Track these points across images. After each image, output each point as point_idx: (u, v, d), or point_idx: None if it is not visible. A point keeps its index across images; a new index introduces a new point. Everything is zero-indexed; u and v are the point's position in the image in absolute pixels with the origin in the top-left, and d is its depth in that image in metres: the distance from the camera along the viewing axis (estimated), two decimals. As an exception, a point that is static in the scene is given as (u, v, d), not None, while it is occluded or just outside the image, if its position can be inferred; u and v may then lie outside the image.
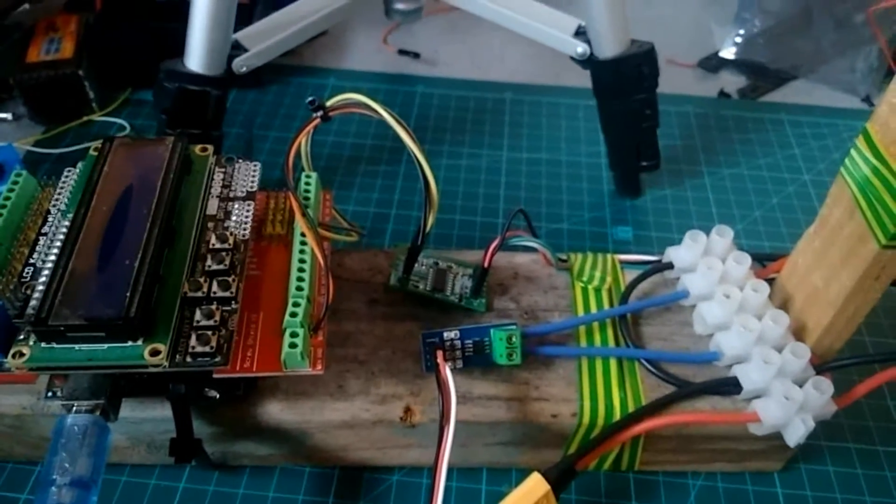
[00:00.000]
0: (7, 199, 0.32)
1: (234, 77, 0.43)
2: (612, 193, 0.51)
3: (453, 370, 0.32)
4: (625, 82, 0.45)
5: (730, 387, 0.33)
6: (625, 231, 0.48)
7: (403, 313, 0.36)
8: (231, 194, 0.33)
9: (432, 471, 0.29)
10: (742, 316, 0.33)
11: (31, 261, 0.29)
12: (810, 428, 0.31)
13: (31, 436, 0.33)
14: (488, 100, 0.59)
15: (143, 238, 0.28)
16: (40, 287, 0.27)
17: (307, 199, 0.33)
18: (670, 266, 0.37)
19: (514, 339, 0.32)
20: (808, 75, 0.62)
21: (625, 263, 0.39)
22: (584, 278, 0.38)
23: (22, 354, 0.26)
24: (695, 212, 0.50)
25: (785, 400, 0.30)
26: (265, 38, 0.44)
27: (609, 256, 0.39)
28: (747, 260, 0.35)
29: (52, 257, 0.28)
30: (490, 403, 0.33)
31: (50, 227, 0.30)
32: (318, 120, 0.35)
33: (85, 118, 0.55)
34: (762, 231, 0.49)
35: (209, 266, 0.29)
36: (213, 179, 0.33)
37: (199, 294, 0.28)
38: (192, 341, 0.26)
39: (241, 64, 0.43)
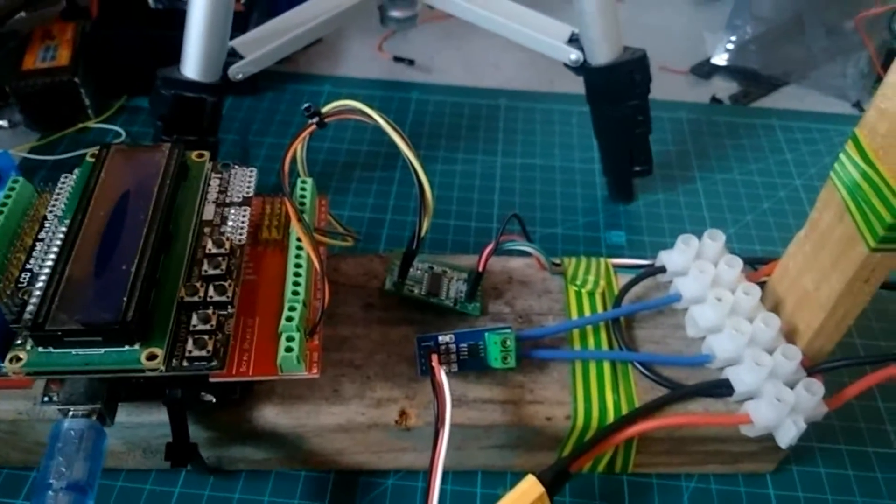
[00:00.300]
0: (4, 204, 0.32)
1: (230, 84, 0.43)
2: (605, 199, 0.52)
3: (448, 374, 0.32)
4: (617, 89, 0.45)
5: (722, 389, 0.33)
6: (618, 236, 0.49)
7: (399, 317, 0.36)
8: (227, 200, 0.33)
9: (427, 474, 0.29)
10: (734, 319, 0.34)
11: (28, 266, 0.29)
12: (802, 429, 0.31)
13: (27, 441, 0.33)
14: (483, 106, 0.60)
15: (139, 243, 0.28)
16: (37, 292, 0.27)
17: (303, 204, 0.34)
18: (663, 270, 0.37)
19: (508, 342, 0.33)
20: (799, 81, 0.62)
21: (618, 267, 0.39)
22: (578, 282, 0.38)
23: (19, 359, 0.26)
24: (687, 216, 0.50)
25: (776, 402, 0.31)
26: (261, 45, 0.44)
27: (602, 260, 0.39)
28: (739, 263, 0.35)
29: (49, 262, 0.28)
30: (485, 407, 0.33)
31: (47, 232, 0.31)
32: (313, 126, 0.35)
33: (81, 125, 0.55)
34: (754, 235, 0.49)
35: (205, 271, 0.29)
36: (209, 185, 0.33)
37: (196, 299, 0.28)
38: (189, 345, 0.27)
39: (237, 71, 0.43)
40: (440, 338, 0.33)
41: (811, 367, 0.33)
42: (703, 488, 0.36)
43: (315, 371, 0.29)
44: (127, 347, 0.26)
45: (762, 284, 0.36)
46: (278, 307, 0.30)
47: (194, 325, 0.27)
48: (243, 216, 0.32)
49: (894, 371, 0.32)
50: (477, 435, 0.34)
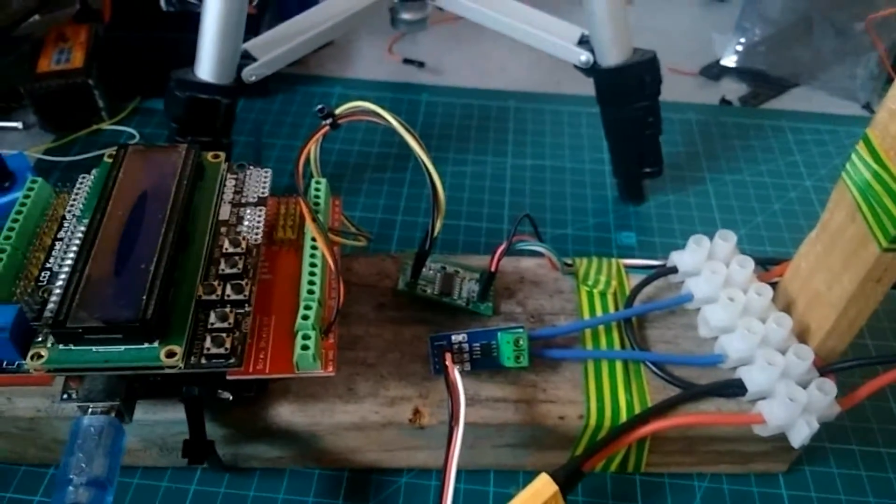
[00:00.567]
0: (23, 205, 0.33)
1: (243, 86, 0.44)
2: (615, 200, 0.52)
3: (461, 373, 0.32)
4: (627, 90, 0.45)
5: (734, 389, 0.33)
6: (628, 237, 0.49)
7: (411, 317, 0.37)
8: (243, 200, 0.33)
9: (442, 472, 0.29)
10: (746, 319, 0.34)
11: (48, 265, 0.30)
12: (814, 429, 0.31)
13: (45, 438, 0.34)
14: (492, 108, 0.60)
15: (158, 242, 0.28)
16: (57, 290, 0.27)
17: (317, 204, 0.34)
18: (674, 270, 0.38)
19: (521, 341, 0.33)
20: (808, 82, 0.63)
21: (629, 268, 0.39)
22: (590, 282, 0.38)
23: (40, 356, 0.26)
24: (698, 217, 0.50)
25: (789, 401, 0.31)
26: (274, 47, 0.45)
27: (614, 261, 0.39)
28: (751, 264, 0.36)
29: (69, 261, 0.28)
30: (497, 405, 0.33)
31: (65, 232, 0.31)
32: (327, 128, 0.36)
33: (94, 127, 0.56)
34: (765, 236, 0.49)
35: (223, 270, 0.29)
36: (225, 185, 0.33)
37: (214, 297, 0.28)
38: (207, 343, 0.27)
39: (250, 73, 0.44)
40: (453, 337, 0.33)
41: (823, 367, 0.33)
42: (715, 488, 0.36)
43: (331, 369, 0.29)
44: (146, 345, 0.27)
45: (774, 285, 0.36)
46: (294, 306, 0.30)
47: (212, 324, 0.28)
48: (259, 216, 0.32)
49: (907, 371, 0.33)
50: (489, 434, 0.34)
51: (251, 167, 0.35)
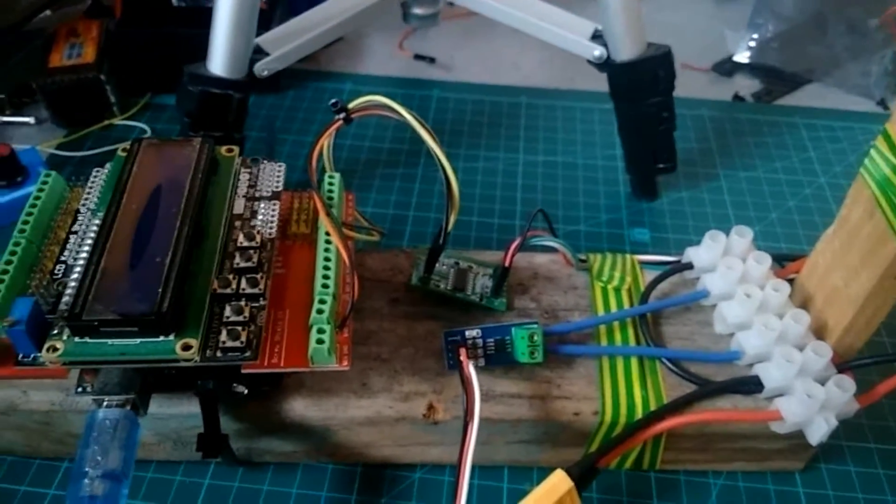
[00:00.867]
0: (37, 198, 0.33)
1: (255, 80, 0.44)
2: (628, 196, 0.51)
3: (476, 368, 0.32)
4: (641, 85, 0.45)
5: (751, 385, 0.33)
6: (642, 233, 0.49)
7: (425, 312, 0.37)
8: (257, 194, 0.33)
9: (456, 467, 0.29)
10: (763, 315, 0.33)
11: (63, 258, 0.30)
12: (833, 426, 0.31)
13: (59, 432, 0.34)
14: (504, 104, 0.60)
15: (173, 236, 0.28)
16: (73, 283, 0.27)
17: (331, 198, 0.34)
18: (690, 266, 0.37)
19: (535, 337, 0.33)
20: (822, 79, 0.62)
21: (644, 264, 0.39)
22: (604, 278, 0.38)
23: (56, 349, 0.26)
24: (711, 214, 0.50)
25: (807, 398, 0.31)
26: (286, 42, 0.45)
27: (628, 257, 0.39)
28: (767, 260, 0.35)
29: (84, 254, 0.28)
30: (512, 401, 0.33)
31: (80, 225, 0.31)
32: (340, 122, 0.35)
33: (106, 122, 0.56)
34: (779, 233, 0.49)
35: (237, 263, 0.29)
36: (239, 179, 0.33)
37: (229, 291, 0.28)
38: (223, 336, 0.27)
39: (262, 67, 0.44)
40: (467, 332, 0.33)
41: (841, 364, 0.33)
42: (731, 486, 0.36)
43: (346, 363, 0.29)
44: (162, 338, 0.26)
45: (790, 282, 0.36)
46: (308, 300, 0.30)
47: (228, 317, 0.27)
48: (273, 210, 0.32)
49: (926, 368, 0.32)
50: (504, 430, 0.34)
51: (265, 161, 0.35)
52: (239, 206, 0.32)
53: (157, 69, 0.57)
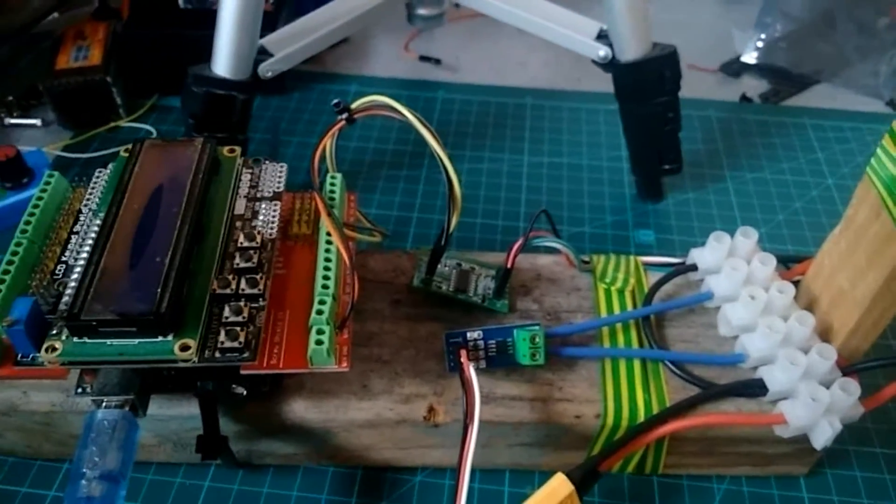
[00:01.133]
0: (40, 199, 0.33)
1: (259, 81, 0.44)
2: (633, 197, 0.51)
3: (476, 370, 0.32)
4: (647, 85, 0.45)
5: (755, 388, 0.32)
6: (647, 234, 0.48)
7: (426, 314, 0.36)
8: (258, 195, 0.33)
9: (456, 470, 0.29)
10: (767, 317, 0.33)
11: (63, 259, 0.30)
12: (837, 430, 0.31)
13: (60, 433, 0.34)
14: (509, 105, 0.59)
15: (173, 236, 0.28)
16: (73, 283, 0.27)
17: (332, 199, 0.34)
18: (694, 268, 0.37)
19: (537, 339, 0.32)
20: (830, 79, 0.61)
21: (648, 265, 0.39)
22: (607, 280, 0.37)
23: (55, 349, 0.26)
24: (717, 215, 0.50)
25: (811, 401, 0.30)
26: (290, 43, 0.45)
27: (632, 258, 0.39)
28: (772, 261, 0.35)
29: (84, 255, 0.28)
30: (513, 404, 0.33)
31: (81, 226, 0.31)
32: (343, 122, 0.35)
33: (112, 124, 0.56)
34: (786, 235, 0.48)
35: (237, 264, 0.29)
36: (240, 180, 0.33)
37: (228, 291, 0.28)
38: (222, 337, 0.27)
39: (266, 69, 0.44)
40: (468, 334, 0.33)
41: (846, 367, 0.32)
42: (734, 490, 0.35)
43: (345, 364, 0.29)
44: (161, 338, 0.26)
45: (796, 283, 0.35)
46: (308, 301, 0.30)
47: (227, 317, 0.27)
48: (274, 211, 0.32)
49: (933, 372, 0.32)
50: (505, 432, 0.33)
51: (267, 162, 0.35)
52: (240, 206, 0.32)
53: (163, 71, 0.57)
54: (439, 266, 0.37)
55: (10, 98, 0.57)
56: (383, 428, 0.33)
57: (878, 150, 0.30)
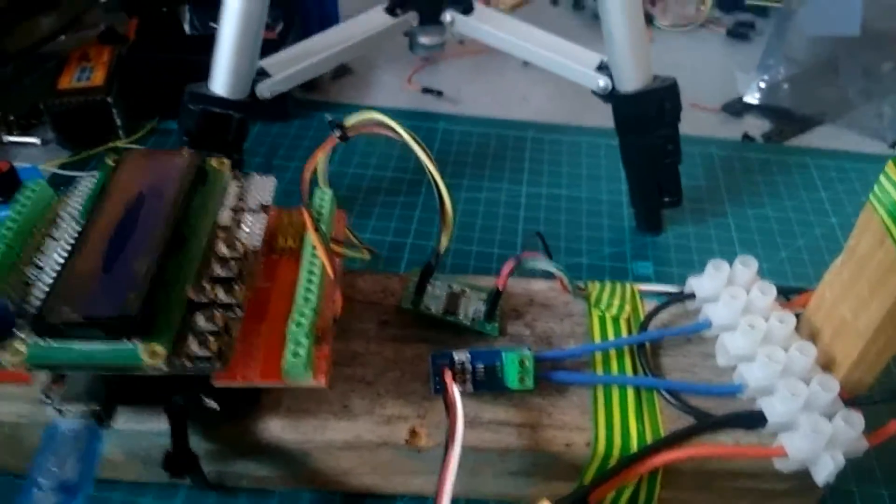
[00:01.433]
0: (23, 205, 0.32)
1: (257, 102, 0.44)
2: (632, 230, 0.50)
3: (462, 393, 0.31)
4: (647, 117, 0.44)
5: (754, 420, 0.31)
6: (645, 266, 0.47)
7: (414, 336, 0.35)
8: (244, 206, 0.32)
9: (435, 493, 0.27)
10: (767, 347, 0.32)
11: (39, 263, 0.29)
12: (840, 465, 0.29)
13: (25, 446, 0.32)
14: (510, 137, 0.59)
15: (149, 242, 0.28)
16: (42, 286, 0.26)
17: (321, 213, 0.33)
18: (692, 296, 0.36)
19: (526, 362, 0.31)
20: (834, 121, 0.61)
21: (645, 293, 0.38)
22: (602, 306, 0.36)
23: (18, 351, 0.25)
24: (718, 249, 0.49)
25: (813, 433, 0.29)
26: (290, 65, 0.45)
27: (628, 285, 0.38)
28: (772, 290, 0.34)
29: (57, 258, 0.27)
30: (500, 429, 0.31)
31: (60, 231, 0.30)
32: (336, 139, 0.35)
33: (111, 144, 0.56)
34: (788, 271, 0.47)
35: (216, 273, 0.28)
36: (227, 191, 0.33)
37: (204, 299, 0.27)
38: (193, 345, 0.26)
39: (264, 89, 0.44)
40: (456, 356, 0.32)
41: (850, 401, 0.31)
42: (732, 530, 0.34)
43: (323, 380, 0.28)
44: (129, 343, 0.25)
45: (797, 316, 0.34)
46: (289, 315, 0.29)
47: (199, 325, 0.26)
48: (260, 222, 0.31)
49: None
50: (491, 459, 0.32)
51: (256, 175, 0.34)
52: (225, 217, 0.31)
53: (165, 95, 0.57)
54: (430, 288, 0.36)
55: (12, 117, 0.57)
56: (363, 451, 0.32)
57: (882, 178, 0.29)
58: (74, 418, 0.26)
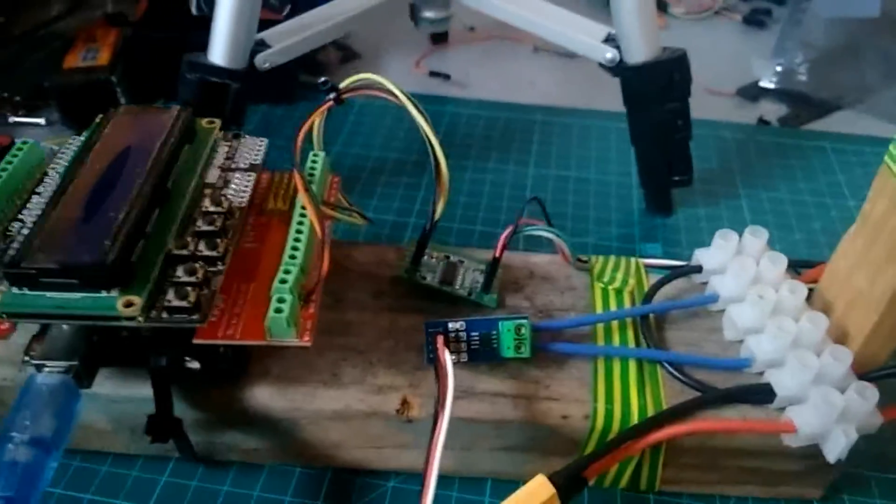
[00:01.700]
0: (9, 163, 0.31)
1: (255, 73, 0.43)
2: (642, 212, 0.49)
3: (456, 362, 0.30)
4: (655, 89, 0.43)
5: (761, 394, 0.29)
6: (654, 248, 0.46)
7: (410, 306, 0.34)
8: (233, 165, 0.31)
9: (425, 462, 0.26)
10: (777, 318, 0.30)
11: (21, 216, 0.28)
12: (852, 440, 0.27)
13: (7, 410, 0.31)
14: (518, 120, 0.58)
15: (131, 194, 0.27)
16: (20, 236, 0.26)
17: (312, 174, 0.32)
18: (699, 269, 0.34)
19: (523, 330, 0.30)
20: (853, 105, 0.59)
21: (650, 268, 0.36)
22: (605, 279, 0.35)
23: (-8, 300, 0.24)
24: (730, 232, 0.47)
25: (823, 406, 0.27)
26: (289, 36, 0.44)
27: (633, 259, 0.36)
28: (783, 261, 0.32)
29: (38, 210, 0.27)
30: (495, 400, 0.30)
31: (45, 186, 0.29)
32: (331, 102, 0.34)
33: (114, 123, 0.55)
34: (803, 253, 0.45)
35: (199, 227, 0.27)
36: (216, 151, 0.32)
37: (185, 252, 0.26)
38: (170, 296, 0.25)
39: (263, 59, 0.43)
40: (450, 324, 0.30)
41: (863, 375, 0.29)
42: (740, 512, 0.32)
43: (307, 338, 0.27)
44: (104, 293, 0.24)
45: (810, 291, 0.33)
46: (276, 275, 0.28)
47: (178, 277, 0.25)
48: (247, 181, 0.30)
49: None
50: (486, 432, 0.31)
51: (247, 136, 0.33)
52: (213, 175, 0.30)
53: (169, 75, 0.56)
54: (427, 258, 0.35)
55: (18, 98, 0.57)
56: (353, 421, 0.30)
57: (897, 137, 0.28)
58: (53, 374, 0.26)
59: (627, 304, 0.34)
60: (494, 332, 0.30)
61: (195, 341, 0.26)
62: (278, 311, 0.25)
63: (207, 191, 0.29)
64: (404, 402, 0.30)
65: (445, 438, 0.27)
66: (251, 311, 0.27)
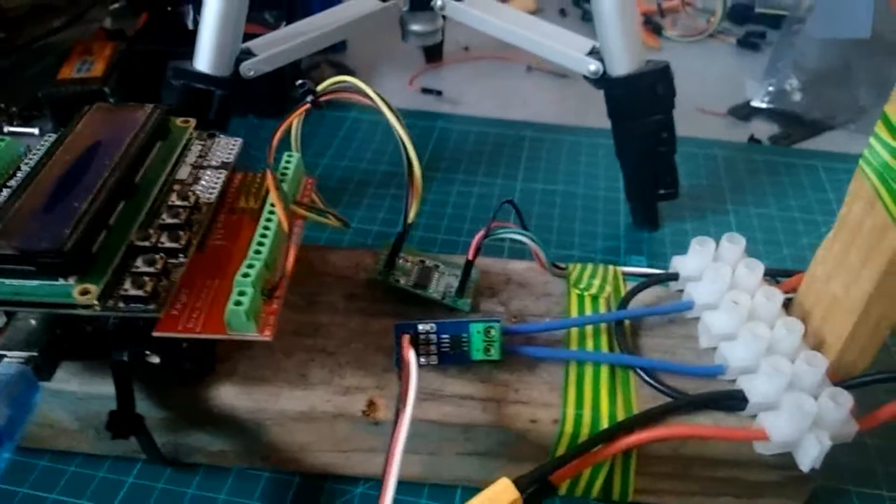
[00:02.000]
0: (-17, 158, 0.31)
1: (240, 81, 0.43)
2: (628, 226, 0.48)
3: (426, 364, 0.29)
4: (639, 101, 0.43)
5: (734, 401, 0.29)
6: (639, 261, 0.45)
7: (383, 310, 0.34)
8: (205, 163, 0.31)
9: (384, 463, 0.26)
10: (751, 324, 0.30)
11: (-11, 209, 0.28)
12: (826, 447, 0.27)
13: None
14: (508, 136, 0.58)
15: (96, 186, 0.27)
16: (-17, 225, 0.26)
17: (285, 174, 0.32)
18: (675, 277, 0.34)
19: (492, 332, 0.30)
20: (845, 125, 0.59)
21: (628, 275, 0.36)
22: (582, 286, 0.35)
23: (-52, 287, 0.24)
24: (716, 246, 0.47)
25: (796, 412, 0.26)
26: (275, 45, 0.44)
27: (611, 267, 0.36)
28: (760, 268, 0.32)
29: (3, 199, 0.27)
30: (463, 403, 0.30)
31: (16, 180, 0.30)
32: (308, 105, 0.34)
33: (106, 134, 0.56)
34: (790, 268, 0.45)
35: (164, 220, 0.27)
36: (189, 149, 0.32)
37: (147, 244, 0.26)
38: (126, 285, 0.24)
39: (248, 67, 0.43)
40: (420, 326, 0.30)
41: (840, 382, 0.28)
42: (714, 524, 0.31)
43: (268, 333, 0.26)
44: (61, 281, 0.24)
45: (789, 300, 0.32)
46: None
47: (137, 266, 0.25)
48: (218, 177, 0.30)
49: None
50: (454, 436, 0.30)
51: (221, 136, 0.33)
52: (184, 172, 0.30)
53: (162, 87, 0.57)
54: (402, 261, 0.35)
55: (14, 109, 0.58)
56: (319, 423, 0.30)
57: (871, 140, 0.28)
58: (11, 364, 0.25)
59: (603, 310, 0.34)
60: (465, 335, 0.30)
61: (155, 334, 0.25)
62: (238, 303, 0.25)
63: (177, 186, 0.29)
64: (370, 404, 0.30)
65: (410, 441, 0.26)
66: (214, 306, 0.27)
